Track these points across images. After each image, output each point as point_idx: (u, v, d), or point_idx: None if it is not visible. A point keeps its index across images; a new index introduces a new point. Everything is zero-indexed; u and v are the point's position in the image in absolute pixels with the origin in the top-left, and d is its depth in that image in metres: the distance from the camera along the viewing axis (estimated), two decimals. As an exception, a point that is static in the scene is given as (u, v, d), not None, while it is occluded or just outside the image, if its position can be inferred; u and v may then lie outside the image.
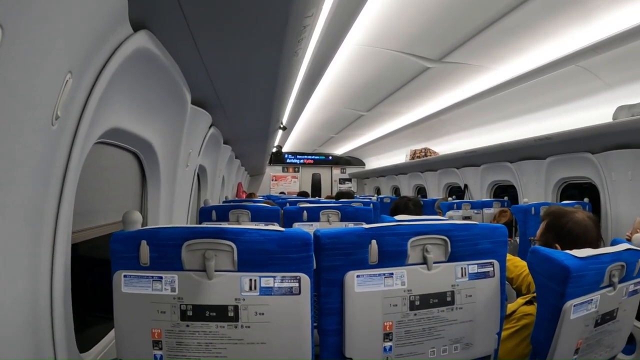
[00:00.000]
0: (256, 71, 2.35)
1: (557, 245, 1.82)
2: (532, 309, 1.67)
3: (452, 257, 1.35)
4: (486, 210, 4.55)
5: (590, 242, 1.80)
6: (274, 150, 9.36)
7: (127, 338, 1.18)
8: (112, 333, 1.96)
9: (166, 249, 1.17)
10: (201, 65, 2.12)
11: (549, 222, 1.93)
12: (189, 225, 1.22)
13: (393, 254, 1.30)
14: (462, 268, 1.35)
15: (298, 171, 13.24)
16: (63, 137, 1.25)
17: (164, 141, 2.54)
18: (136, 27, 1.53)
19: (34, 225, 1.17)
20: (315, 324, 1.26)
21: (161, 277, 1.16)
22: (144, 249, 1.16)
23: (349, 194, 5.48)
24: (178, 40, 1.78)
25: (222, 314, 1.16)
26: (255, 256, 1.18)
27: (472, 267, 1.37)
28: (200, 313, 1.16)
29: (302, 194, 8.46)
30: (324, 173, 13.35)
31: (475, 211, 4.51)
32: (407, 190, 9.06)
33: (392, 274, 1.29)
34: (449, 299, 1.34)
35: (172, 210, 2.89)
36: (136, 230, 1.19)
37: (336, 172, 13.34)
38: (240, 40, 1.85)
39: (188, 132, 2.81)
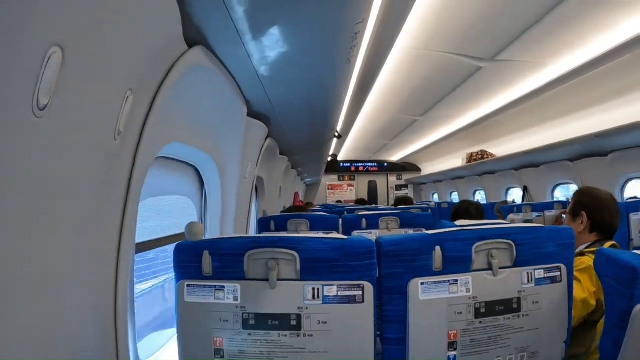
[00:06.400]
0: (310, 81, 2.37)
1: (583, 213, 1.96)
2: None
3: (518, 262, 1.29)
4: (547, 213, 4.34)
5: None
6: (329, 159, 9.38)
7: (190, 346, 1.20)
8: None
9: (228, 258, 1.18)
10: (256, 78, 2.15)
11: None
12: (251, 235, 1.23)
13: (457, 260, 1.26)
14: (528, 273, 1.29)
15: (354, 179, 13.21)
16: (125, 152, 1.30)
17: (222, 154, 2.59)
18: (191, 43, 1.56)
19: (98, 237, 1.21)
20: (377, 333, 1.24)
21: (223, 286, 1.17)
22: (207, 259, 1.18)
23: (407, 200, 5.38)
24: (232, 54, 1.81)
25: (285, 322, 1.16)
26: (318, 264, 1.17)
27: (539, 272, 1.30)
28: (262, 322, 1.16)
29: (360, 201, 8.42)
30: (380, 180, 13.25)
31: (537, 214, 4.32)
32: (465, 195, 8.84)
33: (456, 280, 1.24)
34: (515, 305, 1.28)
35: (232, 221, 2.94)
36: (199, 241, 1.21)
37: (392, 178, 13.21)
38: (293, 51, 1.87)
39: (245, 144, 2.85)
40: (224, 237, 1.22)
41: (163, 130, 1.63)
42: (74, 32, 0.87)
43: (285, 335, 1.16)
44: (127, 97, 1.19)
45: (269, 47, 1.79)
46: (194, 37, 1.57)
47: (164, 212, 2.29)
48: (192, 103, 1.88)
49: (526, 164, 5.89)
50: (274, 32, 1.66)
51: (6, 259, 0.82)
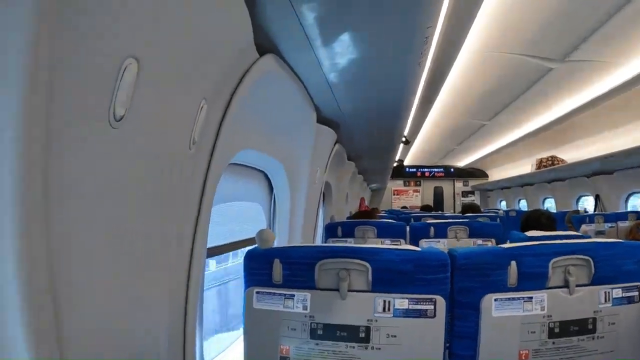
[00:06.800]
0: (380, 87, 2.34)
1: None
2: None
3: (595, 280, 1.22)
4: (621, 224, 4.06)
5: None
6: (396, 164, 9.29)
7: (255, 352, 1.21)
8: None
9: (299, 267, 1.18)
10: (325, 84, 2.15)
11: None
12: (322, 245, 1.22)
13: (532, 276, 1.20)
14: (605, 292, 1.21)
15: (419, 185, 13.02)
16: (199, 160, 1.33)
17: (292, 160, 2.62)
18: (262, 51, 1.58)
19: (172, 241, 1.24)
20: (446, 345, 1.20)
21: (293, 295, 1.17)
22: (277, 267, 1.18)
23: (474, 207, 5.23)
24: (302, 60, 1.82)
25: (353, 334, 1.15)
26: (389, 276, 1.15)
27: (617, 291, 1.22)
28: (330, 332, 1.16)
29: (426, 207, 8.29)
30: (446, 186, 12.98)
31: (609, 224, 4.04)
32: (534, 203, 8.48)
33: (531, 298, 1.19)
34: (590, 326, 1.21)
35: (300, 226, 2.96)
36: (270, 248, 1.22)
37: (458, 184, 12.91)
38: (363, 58, 1.85)
39: (314, 150, 2.87)
40: (295, 245, 1.22)
41: (236, 137, 1.66)
42: (148, 43, 0.89)
43: (353, 347, 1.15)
44: (202, 107, 1.21)
45: (340, 53, 1.78)
46: (265, 45, 1.58)
47: (234, 216, 2.34)
48: (264, 110, 1.90)
49: (598, 170, 5.56)
50: (345, 38, 1.65)
51: (82, 261, 0.85)
